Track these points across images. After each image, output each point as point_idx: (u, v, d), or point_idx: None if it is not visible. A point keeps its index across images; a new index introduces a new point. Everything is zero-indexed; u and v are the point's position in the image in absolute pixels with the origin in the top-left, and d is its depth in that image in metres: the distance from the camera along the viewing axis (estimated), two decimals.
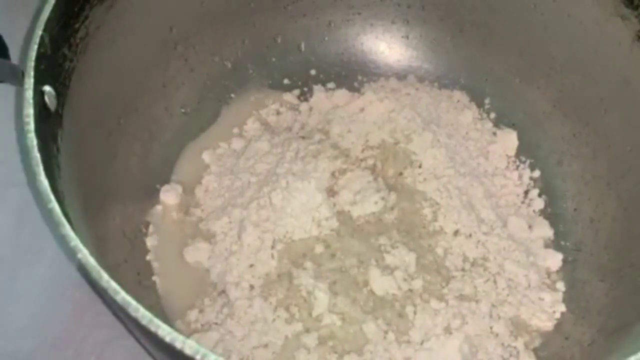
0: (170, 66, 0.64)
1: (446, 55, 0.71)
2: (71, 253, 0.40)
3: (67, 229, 0.39)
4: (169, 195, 0.62)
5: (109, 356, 0.56)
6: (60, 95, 0.48)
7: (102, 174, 0.56)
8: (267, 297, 0.56)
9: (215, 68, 0.68)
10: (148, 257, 0.59)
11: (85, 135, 0.53)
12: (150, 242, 0.60)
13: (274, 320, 0.55)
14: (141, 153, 0.62)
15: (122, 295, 0.38)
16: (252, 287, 0.57)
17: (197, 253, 0.59)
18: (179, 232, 0.61)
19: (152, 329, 0.37)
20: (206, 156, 0.65)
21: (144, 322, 0.37)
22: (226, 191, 0.63)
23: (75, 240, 0.39)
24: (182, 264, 0.59)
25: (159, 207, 0.62)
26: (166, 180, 0.64)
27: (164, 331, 0.37)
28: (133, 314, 0.37)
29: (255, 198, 0.60)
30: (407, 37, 0.72)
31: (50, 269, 0.58)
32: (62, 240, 0.40)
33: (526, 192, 0.65)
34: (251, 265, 0.58)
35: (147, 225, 0.61)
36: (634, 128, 0.58)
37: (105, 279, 0.38)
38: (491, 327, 0.56)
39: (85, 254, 0.38)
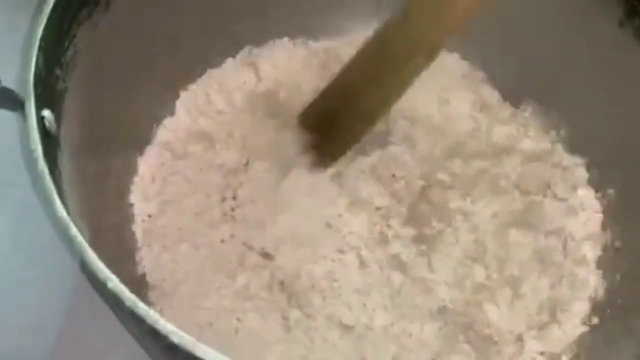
0: (156, 81, 0.62)
1: None
2: (99, 285, 0.38)
3: (97, 262, 0.38)
4: None
5: (109, 356, 0.55)
6: (56, 117, 0.46)
7: (95, 197, 0.54)
8: None
9: None
10: None
11: (78, 156, 0.51)
12: None
13: None
14: (132, 171, 0.60)
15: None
16: None
17: None
18: None
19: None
20: None
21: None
22: None
23: (105, 273, 0.37)
24: None
25: None
26: None
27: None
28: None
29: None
30: None
31: (50, 268, 0.57)
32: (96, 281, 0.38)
33: None
34: None
35: None
36: None
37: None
38: None
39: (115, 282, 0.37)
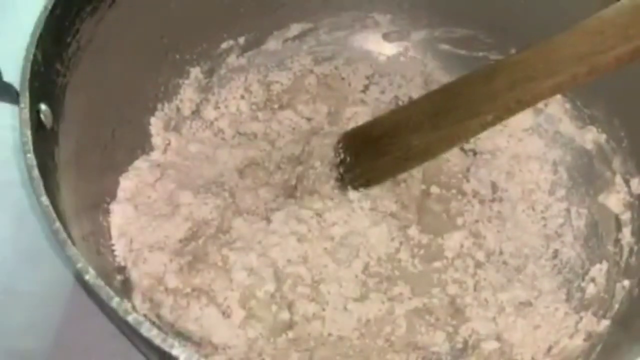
0: (162, 74, 0.64)
1: None
2: (78, 273, 0.39)
3: (73, 250, 0.39)
4: None
5: (108, 356, 0.56)
6: (54, 111, 0.48)
7: (98, 188, 0.56)
8: None
9: None
10: None
11: (81, 150, 0.53)
12: None
13: None
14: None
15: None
16: None
17: None
18: None
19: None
20: None
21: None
22: None
23: (82, 262, 0.39)
24: None
25: None
26: None
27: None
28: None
29: None
30: None
31: (50, 269, 0.58)
32: (68, 260, 0.39)
33: None
34: None
35: None
36: None
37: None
38: None
39: (93, 275, 0.38)
